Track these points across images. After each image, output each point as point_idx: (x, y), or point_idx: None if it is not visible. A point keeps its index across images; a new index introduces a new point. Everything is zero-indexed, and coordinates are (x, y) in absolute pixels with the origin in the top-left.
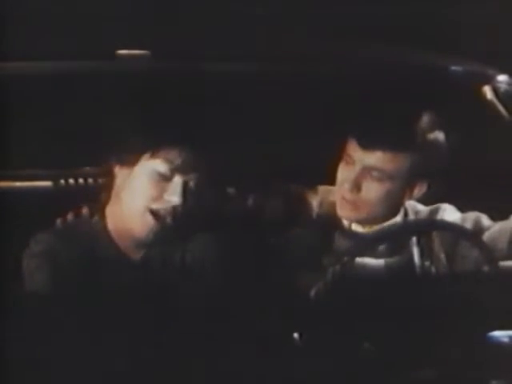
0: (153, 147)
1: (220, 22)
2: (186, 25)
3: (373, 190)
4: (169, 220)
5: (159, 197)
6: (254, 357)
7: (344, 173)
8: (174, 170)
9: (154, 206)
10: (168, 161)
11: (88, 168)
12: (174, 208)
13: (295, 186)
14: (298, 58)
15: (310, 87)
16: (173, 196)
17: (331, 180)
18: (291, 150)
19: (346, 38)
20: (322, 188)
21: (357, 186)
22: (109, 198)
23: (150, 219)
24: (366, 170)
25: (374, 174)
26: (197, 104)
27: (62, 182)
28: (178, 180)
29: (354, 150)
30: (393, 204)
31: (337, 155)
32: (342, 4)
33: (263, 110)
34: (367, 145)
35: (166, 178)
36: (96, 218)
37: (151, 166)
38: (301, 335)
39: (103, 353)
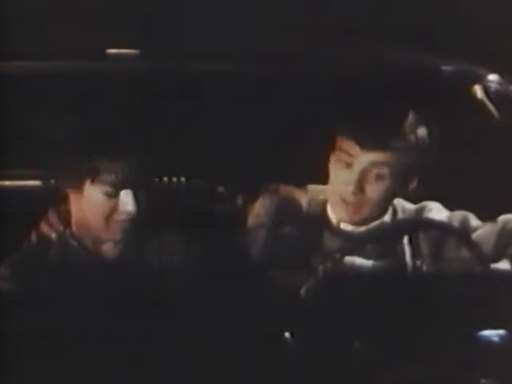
0: (91, 173)
1: (211, 21)
2: (176, 24)
3: (375, 190)
4: (132, 224)
5: (115, 210)
6: (244, 356)
7: (342, 175)
8: (119, 185)
9: (115, 217)
10: (109, 182)
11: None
12: (133, 216)
13: (284, 184)
14: (285, 57)
15: (297, 86)
16: (126, 206)
17: (321, 179)
18: (279, 149)
19: (335, 38)
20: (311, 187)
21: (361, 187)
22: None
23: (116, 225)
24: (367, 170)
25: (375, 173)
26: (184, 103)
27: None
28: (125, 192)
29: (352, 151)
30: (389, 201)
31: (326, 154)
32: (331, 3)
33: (253, 109)
34: (367, 145)
35: (114, 194)
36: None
37: (95, 190)
38: (292, 334)
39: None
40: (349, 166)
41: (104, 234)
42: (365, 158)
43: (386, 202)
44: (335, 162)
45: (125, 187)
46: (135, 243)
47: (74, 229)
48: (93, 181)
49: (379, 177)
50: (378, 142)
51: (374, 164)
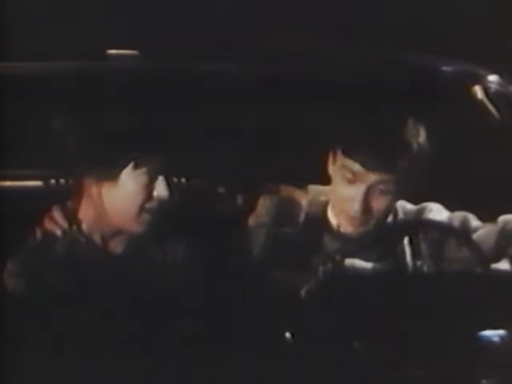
0: (133, 160)
1: (211, 21)
2: (176, 24)
3: (382, 204)
4: (163, 214)
5: (149, 197)
6: (245, 356)
7: (347, 189)
8: (157, 172)
9: (148, 206)
10: (151, 169)
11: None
12: (166, 203)
13: (285, 185)
14: (285, 57)
15: (297, 86)
16: (161, 192)
17: (321, 180)
18: (280, 149)
19: (335, 38)
20: (311, 187)
21: (367, 203)
22: (79, 203)
23: (146, 216)
24: (372, 187)
25: (380, 189)
26: (184, 104)
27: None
28: (161, 178)
29: (356, 170)
30: (393, 206)
31: (327, 155)
32: (329, 4)
33: (253, 109)
34: (372, 167)
35: (151, 180)
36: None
37: (134, 176)
38: (293, 335)
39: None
40: (353, 182)
41: (131, 225)
42: (369, 177)
43: (389, 211)
44: (339, 175)
45: (160, 174)
46: (145, 238)
47: (83, 225)
48: (135, 167)
49: (384, 191)
50: (382, 164)
51: (379, 182)
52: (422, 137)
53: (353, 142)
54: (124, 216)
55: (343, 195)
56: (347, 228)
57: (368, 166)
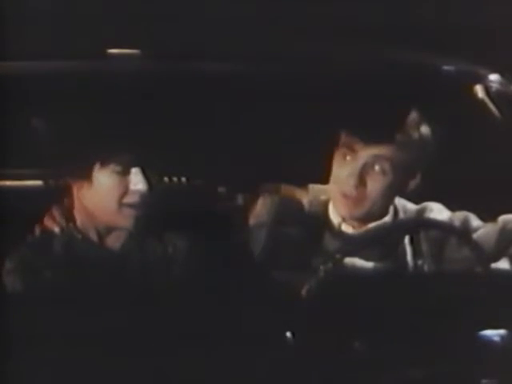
0: (101, 158)
1: (211, 21)
2: (177, 24)
3: (377, 184)
4: (145, 207)
5: (126, 191)
6: (245, 356)
7: (344, 169)
8: (129, 166)
9: (126, 201)
10: (121, 164)
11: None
12: (145, 195)
13: (285, 184)
14: (285, 57)
15: (298, 86)
16: (137, 185)
17: (322, 179)
18: (280, 148)
19: (336, 38)
20: (312, 187)
21: (362, 180)
22: (73, 202)
23: (128, 211)
24: (370, 164)
25: (378, 166)
26: (184, 104)
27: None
28: (135, 171)
29: (355, 146)
30: (390, 198)
31: (328, 153)
32: (332, 3)
33: (253, 108)
34: (370, 138)
35: (124, 174)
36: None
37: (106, 173)
38: (293, 334)
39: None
40: (351, 160)
41: (116, 221)
42: (367, 152)
43: (387, 199)
44: (338, 156)
45: (134, 166)
46: (142, 235)
47: (78, 222)
48: (102, 165)
49: (381, 171)
50: (380, 135)
51: (376, 158)
52: (424, 128)
53: (352, 118)
54: (106, 213)
55: (341, 175)
56: (343, 212)
57: (365, 138)
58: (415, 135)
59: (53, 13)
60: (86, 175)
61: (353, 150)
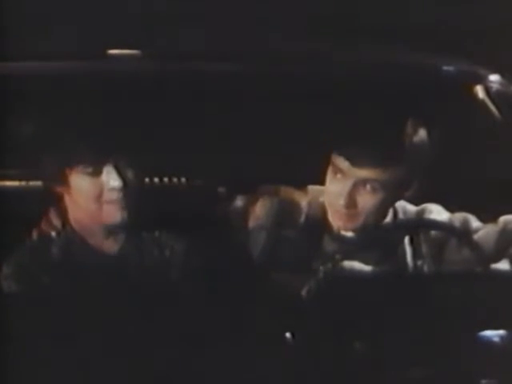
0: (68, 161)
1: (212, 21)
2: (177, 24)
3: (368, 202)
4: (127, 202)
5: (103, 190)
6: (245, 356)
7: (335, 186)
8: (101, 163)
9: (105, 198)
10: (91, 165)
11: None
12: (122, 191)
13: (284, 185)
14: (284, 57)
15: (298, 86)
16: (112, 182)
17: (321, 180)
18: (280, 149)
19: (335, 38)
20: (311, 188)
21: (352, 200)
22: (66, 205)
23: (109, 207)
24: (359, 184)
25: (368, 186)
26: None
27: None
28: (107, 170)
29: (344, 166)
30: (386, 209)
31: (327, 155)
32: (332, 3)
33: (253, 108)
34: (358, 163)
35: (97, 174)
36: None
37: (78, 174)
38: (293, 335)
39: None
40: (342, 178)
41: (102, 219)
42: (356, 173)
43: (381, 211)
44: (330, 173)
45: (105, 164)
46: (135, 238)
47: (73, 225)
48: (73, 168)
49: (372, 190)
50: (368, 160)
51: (366, 179)
52: (419, 138)
53: (343, 139)
54: (90, 213)
55: (332, 190)
56: (338, 224)
57: (355, 163)
58: (410, 150)
59: (53, 13)
60: (62, 178)
61: (343, 171)
